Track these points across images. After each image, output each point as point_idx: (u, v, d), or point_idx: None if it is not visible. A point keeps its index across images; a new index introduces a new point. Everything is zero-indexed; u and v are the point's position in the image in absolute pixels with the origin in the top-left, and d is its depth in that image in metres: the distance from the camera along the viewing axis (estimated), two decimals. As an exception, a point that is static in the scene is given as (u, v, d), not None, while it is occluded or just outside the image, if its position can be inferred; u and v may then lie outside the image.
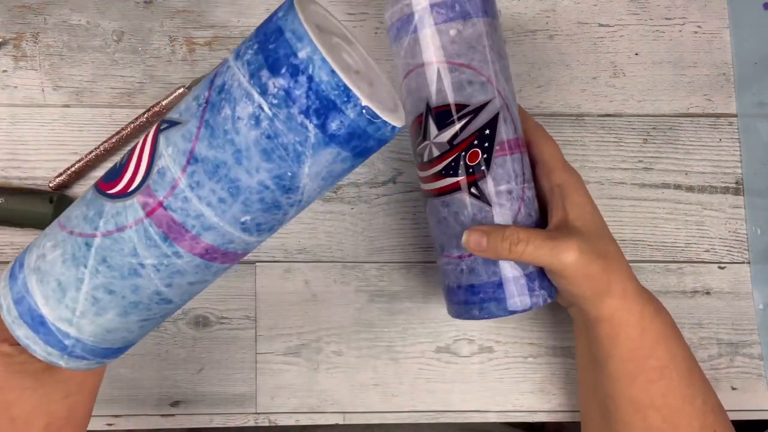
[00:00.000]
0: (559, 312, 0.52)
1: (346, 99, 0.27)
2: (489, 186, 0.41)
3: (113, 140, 0.51)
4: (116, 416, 0.50)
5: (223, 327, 0.51)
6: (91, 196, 0.32)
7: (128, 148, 0.52)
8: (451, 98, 0.41)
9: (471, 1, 0.40)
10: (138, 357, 0.51)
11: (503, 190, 0.41)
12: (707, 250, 0.53)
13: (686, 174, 0.54)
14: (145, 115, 0.51)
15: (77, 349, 0.32)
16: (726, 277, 0.53)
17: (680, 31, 0.55)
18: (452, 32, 0.40)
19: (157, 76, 0.52)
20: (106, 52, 0.52)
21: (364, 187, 0.53)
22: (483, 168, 0.41)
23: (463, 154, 0.41)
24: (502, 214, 0.41)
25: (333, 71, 0.27)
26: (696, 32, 0.55)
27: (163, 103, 0.51)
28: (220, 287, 0.51)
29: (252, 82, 0.27)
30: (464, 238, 0.41)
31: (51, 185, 0.51)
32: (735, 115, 0.54)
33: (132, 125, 0.51)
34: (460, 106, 0.41)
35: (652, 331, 0.42)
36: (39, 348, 0.32)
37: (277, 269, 0.52)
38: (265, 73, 0.27)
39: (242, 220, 0.30)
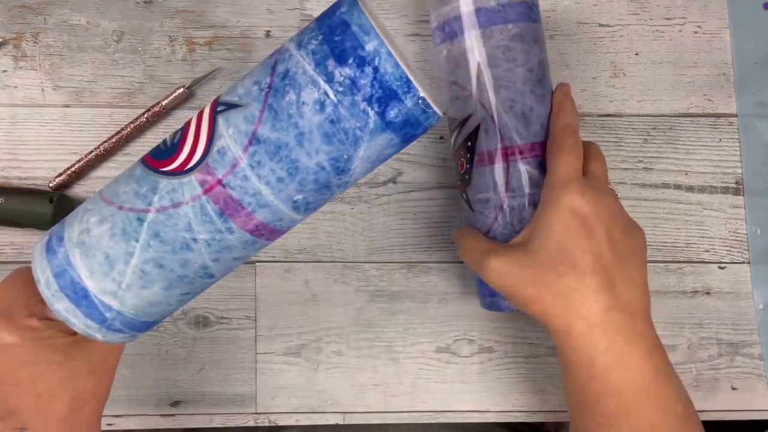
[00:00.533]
0: (559, 312, 0.52)
1: (406, 89, 0.30)
2: (472, 194, 0.44)
3: (113, 140, 0.51)
4: (116, 416, 0.50)
5: (223, 327, 0.51)
6: (140, 173, 0.32)
7: (126, 148, 0.52)
8: (448, 112, 0.46)
9: (456, 22, 0.43)
10: (138, 357, 0.51)
11: (481, 199, 0.43)
12: (707, 250, 0.53)
13: (686, 174, 0.54)
14: (145, 115, 0.51)
15: (116, 322, 0.33)
16: (726, 277, 0.53)
17: (680, 31, 0.55)
18: (444, 52, 0.44)
19: (157, 76, 0.52)
20: (106, 52, 0.52)
21: (364, 187, 0.53)
22: (467, 177, 0.44)
23: (457, 163, 0.45)
24: (481, 221, 0.44)
25: (397, 64, 0.29)
26: (696, 32, 0.55)
27: (163, 103, 0.51)
28: (220, 287, 0.51)
29: (318, 70, 0.30)
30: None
31: (51, 185, 0.51)
32: (735, 115, 0.54)
33: (132, 125, 0.51)
34: (452, 120, 0.45)
35: (601, 384, 0.38)
36: (78, 321, 0.33)
37: (277, 269, 0.52)
38: (331, 63, 0.29)
39: (295, 198, 0.32)
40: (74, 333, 0.35)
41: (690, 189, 0.54)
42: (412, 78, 0.30)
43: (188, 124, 0.32)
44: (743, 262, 0.53)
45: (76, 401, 0.35)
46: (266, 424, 0.51)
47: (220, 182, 0.31)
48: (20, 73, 0.52)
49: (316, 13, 0.53)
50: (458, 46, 0.43)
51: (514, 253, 0.39)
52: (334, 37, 0.30)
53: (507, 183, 0.42)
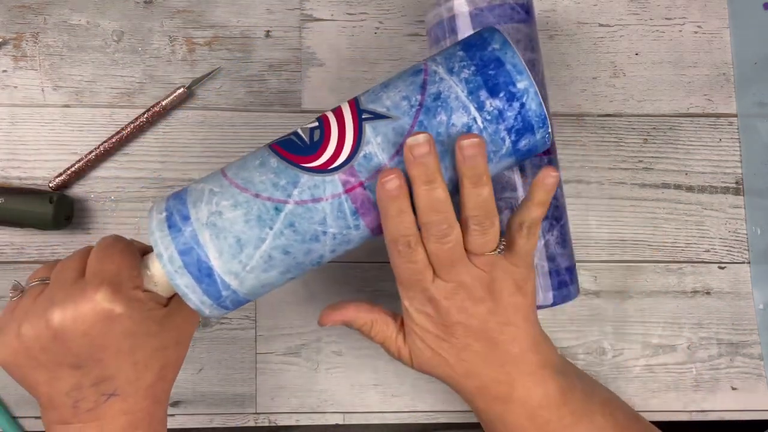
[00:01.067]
0: (559, 313, 0.52)
1: (541, 125, 0.34)
2: None
3: (113, 140, 0.51)
4: (116, 416, 0.50)
5: (223, 327, 0.51)
6: (277, 165, 0.34)
7: (126, 148, 0.52)
8: None
9: (439, 27, 0.44)
10: (138, 357, 0.51)
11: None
12: (707, 250, 0.53)
13: (686, 174, 0.54)
14: (145, 115, 0.51)
15: (227, 300, 0.35)
16: (726, 277, 0.53)
17: (680, 31, 0.55)
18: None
19: (157, 76, 0.52)
20: (106, 52, 0.52)
21: (364, 187, 0.53)
22: None
23: None
24: None
25: (541, 103, 0.33)
26: (696, 32, 0.55)
27: (163, 103, 0.51)
28: (220, 287, 0.51)
29: (471, 98, 0.33)
30: None
31: (51, 185, 0.50)
32: (735, 115, 0.54)
33: (132, 125, 0.51)
34: None
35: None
36: (195, 297, 0.34)
37: (277, 269, 0.52)
38: (483, 93, 0.33)
39: None
40: (166, 305, 0.37)
41: (690, 189, 0.54)
42: (548, 116, 0.34)
43: (327, 124, 0.35)
44: (743, 262, 0.53)
45: (163, 370, 0.37)
46: (266, 424, 0.51)
47: (362, 184, 0.34)
48: (20, 73, 0.52)
49: (317, 14, 0.53)
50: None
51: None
52: (488, 71, 0.33)
53: None
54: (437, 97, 0.34)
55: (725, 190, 0.54)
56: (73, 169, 0.50)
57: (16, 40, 0.52)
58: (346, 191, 0.34)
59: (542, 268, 0.42)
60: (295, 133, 0.36)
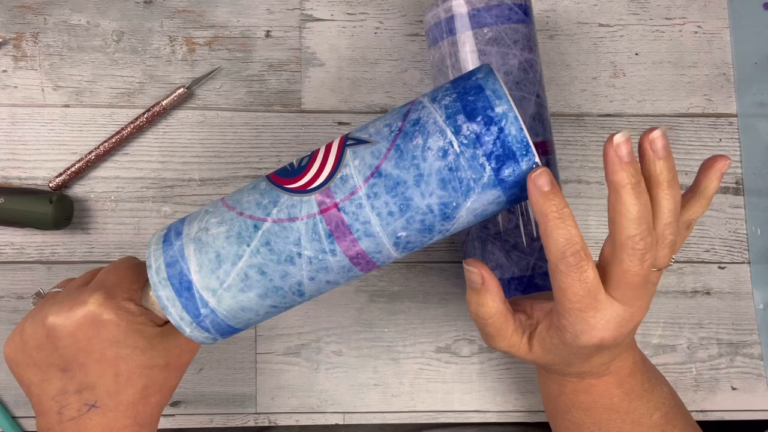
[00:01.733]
0: (559, 312, 0.52)
1: (524, 153, 0.32)
2: None
3: (113, 140, 0.51)
4: (116, 416, 0.50)
5: (223, 327, 0.51)
6: (265, 187, 0.35)
7: (126, 148, 0.52)
8: None
9: (437, 28, 0.44)
10: (138, 357, 0.51)
11: None
12: (707, 250, 0.53)
13: (686, 174, 0.54)
14: (145, 115, 0.51)
15: (207, 320, 0.35)
16: (726, 277, 0.53)
17: (680, 31, 0.55)
18: (430, 58, 0.46)
19: (157, 76, 0.52)
20: (106, 52, 0.52)
21: (364, 187, 0.53)
22: None
23: None
24: None
25: (521, 128, 0.32)
26: (696, 32, 0.55)
27: (163, 103, 0.51)
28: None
29: (448, 122, 0.33)
30: None
31: (51, 185, 0.51)
32: (735, 115, 0.54)
33: (132, 125, 0.51)
34: None
35: (570, 399, 0.39)
36: (175, 311, 0.35)
37: (277, 269, 0.52)
38: (461, 117, 0.32)
39: (399, 234, 0.34)
40: (161, 325, 0.38)
41: (690, 189, 0.54)
42: (531, 144, 0.32)
43: (317, 151, 0.36)
44: (743, 262, 0.53)
45: (146, 390, 0.37)
46: (266, 424, 0.51)
47: (336, 205, 0.33)
48: (20, 73, 0.52)
49: (317, 14, 0.53)
50: (438, 52, 0.44)
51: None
52: (468, 97, 0.33)
53: None
54: (416, 122, 0.33)
55: (725, 190, 0.54)
56: (73, 169, 0.50)
57: (16, 40, 0.52)
58: (321, 212, 0.33)
59: (539, 268, 0.42)
60: (291, 162, 0.37)
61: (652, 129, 0.31)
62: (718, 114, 0.54)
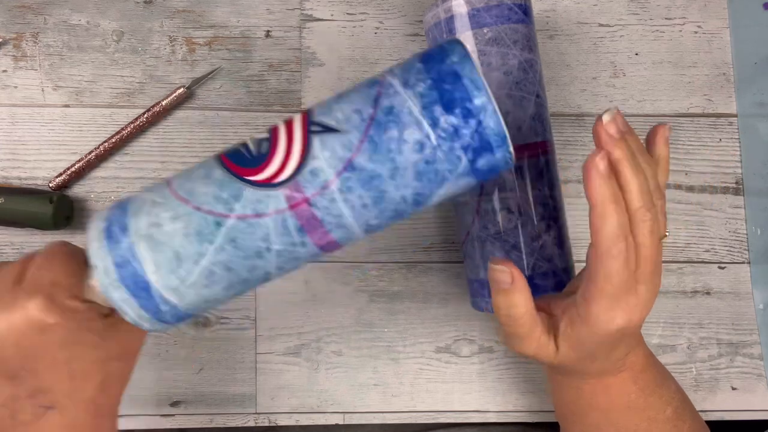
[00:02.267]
0: (559, 312, 0.52)
1: (500, 144, 0.32)
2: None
3: (113, 140, 0.51)
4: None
5: (223, 327, 0.51)
6: (221, 177, 0.33)
7: (126, 148, 0.52)
8: None
9: (436, 28, 0.44)
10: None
11: (461, 202, 0.45)
12: (707, 250, 0.53)
13: (686, 174, 0.54)
14: (145, 115, 0.51)
15: (168, 315, 0.34)
16: (726, 277, 0.53)
17: (680, 31, 0.55)
18: None
19: (157, 76, 0.52)
20: (106, 52, 0.52)
21: (364, 187, 0.53)
22: None
23: None
24: (463, 223, 0.45)
25: (500, 121, 0.31)
26: (696, 32, 0.55)
27: (163, 103, 0.51)
28: (220, 287, 0.51)
29: (424, 113, 0.31)
30: None
31: (51, 185, 0.51)
32: (735, 115, 0.54)
33: (132, 125, 0.51)
34: None
35: (587, 401, 0.39)
36: (132, 311, 0.33)
37: (277, 269, 0.52)
38: (438, 109, 0.31)
39: (371, 223, 0.33)
40: (107, 315, 0.35)
41: (690, 189, 0.54)
42: (508, 135, 0.32)
43: (275, 136, 0.33)
44: (743, 262, 0.53)
45: (105, 383, 0.35)
46: (266, 424, 0.51)
47: (307, 201, 0.32)
48: (20, 73, 0.52)
49: (317, 14, 0.53)
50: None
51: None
52: (444, 85, 0.32)
53: (481, 187, 0.43)
54: (389, 111, 0.32)
55: (725, 190, 0.54)
56: (73, 169, 0.50)
57: (16, 40, 0.52)
58: (290, 207, 0.32)
59: (539, 268, 0.42)
60: (244, 144, 0.34)
61: (600, 117, 0.33)
62: (718, 114, 0.54)
